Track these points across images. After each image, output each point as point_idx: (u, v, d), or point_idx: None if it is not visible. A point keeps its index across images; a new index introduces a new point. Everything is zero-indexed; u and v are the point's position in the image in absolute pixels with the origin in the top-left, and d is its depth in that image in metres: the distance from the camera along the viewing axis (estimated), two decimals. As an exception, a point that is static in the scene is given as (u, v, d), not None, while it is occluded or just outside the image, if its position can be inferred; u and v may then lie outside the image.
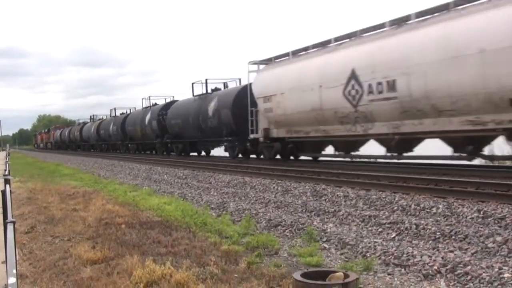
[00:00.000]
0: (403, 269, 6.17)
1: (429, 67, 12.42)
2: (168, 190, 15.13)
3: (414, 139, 14.52)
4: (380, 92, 14.18)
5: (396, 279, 5.89)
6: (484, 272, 5.58)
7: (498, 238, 6.55)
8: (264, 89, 19.80)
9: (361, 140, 16.55)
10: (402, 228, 7.76)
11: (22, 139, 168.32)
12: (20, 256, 7.41)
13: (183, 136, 30.34)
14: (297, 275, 5.25)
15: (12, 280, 2.98)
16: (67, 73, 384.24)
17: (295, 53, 18.88)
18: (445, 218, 8.00)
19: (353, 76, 14.98)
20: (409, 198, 9.39)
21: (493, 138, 12.45)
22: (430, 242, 7.06)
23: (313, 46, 17.95)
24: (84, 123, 62.81)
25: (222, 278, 5.85)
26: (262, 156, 22.30)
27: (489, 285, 5.33)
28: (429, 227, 7.46)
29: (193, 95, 29.05)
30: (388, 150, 15.02)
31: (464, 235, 6.91)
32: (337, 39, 16.63)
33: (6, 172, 12.14)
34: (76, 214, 11.03)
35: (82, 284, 5.89)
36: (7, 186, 7.05)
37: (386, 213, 8.83)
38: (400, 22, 14.15)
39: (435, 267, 5.93)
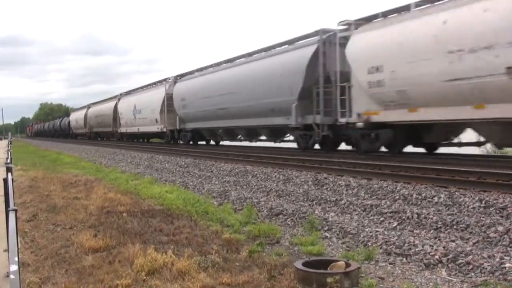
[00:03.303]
0: (404, 259, 6.17)
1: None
2: (170, 179, 15.14)
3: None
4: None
5: (397, 268, 5.90)
6: (485, 262, 5.58)
7: (500, 228, 6.54)
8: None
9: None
10: (403, 218, 7.75)
11: (23, 127, 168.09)
12: (22, 244, 7.43)
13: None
14: (298, 264, 5.26)
15: (14, 267, 2.99)
16: (69, 62, 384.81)
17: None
18: (447, 208, 7.99)
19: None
20: (411, 188, 9.38)
21: None
22: (432, 231, 7.06)
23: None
24: (46, 121, 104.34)
25: (224, 267, 5.86)
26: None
27: (491, 274, 5.33)
28: (431, 216, 7.46)
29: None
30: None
31: (465, 225, 6.91)
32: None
33: (8, 160, 12.14)
34: (78, 203, 11.05)
35: (84, 272, 5.90)
36: (9, 174, 7.04)
37: (388, 202, 8.83)
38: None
39: (437, 257, 5.93)
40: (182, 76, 31.31)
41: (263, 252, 6.58)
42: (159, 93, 32.85)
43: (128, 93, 42.69)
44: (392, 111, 14.52)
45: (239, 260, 6.17)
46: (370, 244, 6.76)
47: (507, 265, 5.42)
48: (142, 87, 39.34)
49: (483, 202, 7.77)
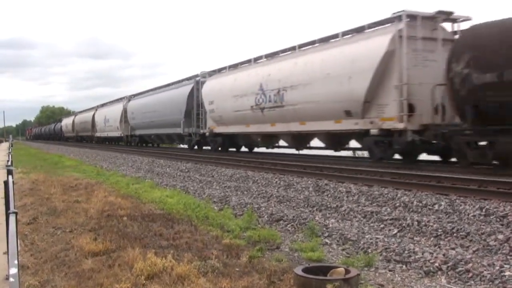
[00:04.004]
0: (404, 266, 6.16)
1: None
2: (171, 183, 15.14)
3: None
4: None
5: (397, 275, 5.89)
6: (485, 270, 5.57)
7: (500, 236, 6.54)
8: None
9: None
10: (404, 225, 7.75)
11: (25, 130, 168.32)
12: (21, 247, 7.43)
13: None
14: (298, 270, 5.25)
15: (13, 270, 2.98)
16: (72, 65, 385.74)
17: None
18: (447, 215, 7.99)
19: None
20: (412, 195, 9.38)
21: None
22: (432, 239, 7.05)
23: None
24: (43, 125, 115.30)
25: (224, 272, 5.85)
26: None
27: (490, 283, 5.33)
28: (431, 224, 7.45)
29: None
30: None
31: (465, 233, 6.90)
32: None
33: (9, 163, 12.15)
34: (78, 206, 11.04)
35: (83, 276, 5.90)
36: (10, 177, 7.05)
37: (388, 209, 8.82)
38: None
39: (436, 264, 5.93)
40: (134, 95, 43.56)
41: (263, 258, 6.57)
42: (119, 107, 44.70)
43: (102, 105, 54.87)
44: (220, 126, 25.46)
45: (239, 266, 6.16)
46: (370, 251, 6.75)
47: (507, 273, 5.41)
48: (110, 102, 52.12)
49: (484, 210, 7.77)
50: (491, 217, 7.49)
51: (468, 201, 8.41)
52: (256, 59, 23.05)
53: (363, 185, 10.95)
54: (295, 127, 19.07)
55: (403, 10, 14.59)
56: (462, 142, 12.66)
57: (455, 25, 15.04)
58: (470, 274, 5.56)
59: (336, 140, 18.63)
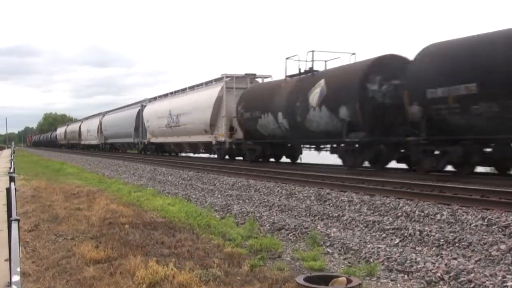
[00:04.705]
0: (406, 275, 6.15)
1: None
2: (172, 191, 15.14)
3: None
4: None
5: (399, 285, 5.87)
6: (487, 280, 5.56)
7: (502, 246, 6.52)
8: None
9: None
10: (406, 234, 7.74)
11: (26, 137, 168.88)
12: (23, 254, 7.42)
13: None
14: (300, 279, 5.24)
15: (16, 278, 2.99)
16: (75, 72, 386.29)
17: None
18: (449, 225, 7.97)
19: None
20: (414, 204, 9.37)
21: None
22: (434, 248, 7.04)
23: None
24: (42, 133, 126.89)
25: (225, 280, 5.84)
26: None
27: (493, 293, 5.31)
28: (433, 233, 7.44)
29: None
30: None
31: (468, 243, 6.89)
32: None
33: (11, 170, 12.17)
34: (80, 213, 11.04)
35: (85, 284, 5.89)
36: (12, 184, 7.06)
37: (390, 218, 8.81)
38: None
39: (438, 274, 5.91)
40: (107, 112, 55.58)
41: (265, 267, 6.56)
42: (97, 121, 56.92)
43: (86, 118, 67.55)
44: (153, 138, 37.43)
45: (240, 274, 6.16)
46: (372, 261, 6.74)
47: (509, 283, 5.40)
48: (91, 116, 64.48)
49: (486, 220, 7.75)
50: (493, 227, 7.47)
51: (470, 211, 8.39)
52: (171, 93, 35.52)
53: (365, 194, 10.93)
54: (187, 138, 30.81)
55: (224, 74, 26.42)
56: (246, 148, 23.80)
57: (264, 79, 26.31)
58: (472, 284, 5.54)
59: (208, 147, 28.77)
